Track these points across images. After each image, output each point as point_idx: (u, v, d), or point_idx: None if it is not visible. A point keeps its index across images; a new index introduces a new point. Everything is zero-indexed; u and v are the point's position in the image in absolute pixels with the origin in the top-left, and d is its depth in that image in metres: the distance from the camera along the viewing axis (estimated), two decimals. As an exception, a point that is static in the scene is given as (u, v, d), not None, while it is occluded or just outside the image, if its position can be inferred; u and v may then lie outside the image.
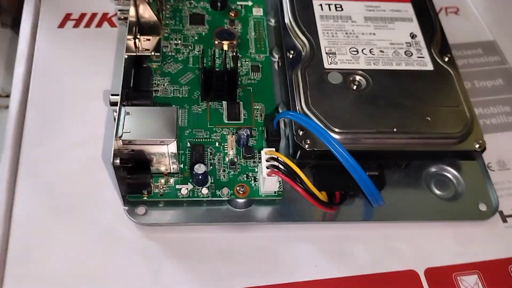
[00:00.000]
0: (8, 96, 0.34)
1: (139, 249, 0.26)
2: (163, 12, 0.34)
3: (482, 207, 0.29)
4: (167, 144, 0.25)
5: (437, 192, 0.29)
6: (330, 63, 0.30)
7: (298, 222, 0.27)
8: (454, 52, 0.36)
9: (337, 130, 0.27)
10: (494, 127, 0.32)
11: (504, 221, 0.29)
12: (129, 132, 0.24)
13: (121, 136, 0.24)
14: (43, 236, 0.26)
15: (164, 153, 0.25)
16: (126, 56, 0.29)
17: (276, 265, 0.26)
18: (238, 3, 0.35)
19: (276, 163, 0.25)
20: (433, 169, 0.30)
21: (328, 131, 0.26)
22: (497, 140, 0.32)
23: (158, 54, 0.31)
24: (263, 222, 0.27)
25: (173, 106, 0.29)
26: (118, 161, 0.23)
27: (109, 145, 0.29)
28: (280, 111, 0.30)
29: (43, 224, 0.26)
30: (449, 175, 0.30)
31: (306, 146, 0.27)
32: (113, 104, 0.26)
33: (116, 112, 0.26)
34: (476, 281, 0.27)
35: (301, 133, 0.27)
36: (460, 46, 0.36)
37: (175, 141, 0.25)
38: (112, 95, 0.27)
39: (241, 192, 0.27)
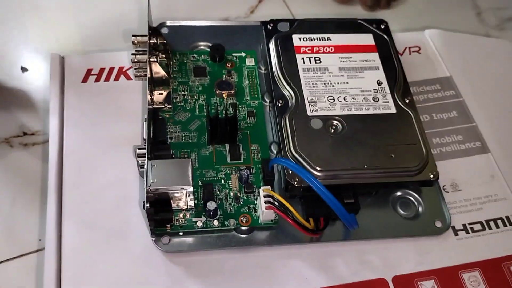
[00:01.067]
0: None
1: (165, 271, 0.33)
2: (171, 67, 0.40)
3: (438, 224, 0.36)
4: (186, 189, 0.31)
5: (402, 212, 0.36)
6: (312, 110, 0.36)
7: (291, 244, 0.34)
8: (416, 88, 0.43)
9: (319, 168, 0.34)
10: (448, 154, 0.39)
11: (456, 234, 0.36)
12: (156, 181, 0.31)
13: (150, 185, 0.30)
14: (87, 264, 0.32)
15: (183, 195, 0.32)
16: (147, 112, 0.35)
17: (274, 279, 0.33)
18: (233, 54, 0.42)
19: (271, 200, 0.32)
20: (398, 194, 0.37)
21: (310, 171, 0.33)
22: (451, 166, 0.39)
23: (170, 106, 0.38)
24: (263, 245, 0.34)
25: (185, 156, 0.35)
26: (148, 205, 0.30)
27: (135, 186, 0.35)
28: (273, 150, 0.37)
29: (87, 254, 0.33)
30: (411, 198, 0.37)
31: (295, 182, 0.33)
32: (140, 156, 0.33)
33: (139, 159, 0.33)
34: (433, 285, 0.34)
35: (290, 172, 0.33)
36: (421, 83, 0.43)
37: (192, 186, 0.31)
38: (138, 148, 0.33)
39: (244, 222, 0.34)
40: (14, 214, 0.39)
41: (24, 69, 0.45)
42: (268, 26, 0.41)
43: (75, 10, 0.52)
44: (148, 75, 0.37)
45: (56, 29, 0.50)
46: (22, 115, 0.44)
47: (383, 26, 0.42)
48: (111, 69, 0.41)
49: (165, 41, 0.39)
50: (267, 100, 0.40)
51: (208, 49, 0.42)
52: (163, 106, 0.37)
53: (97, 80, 0.40)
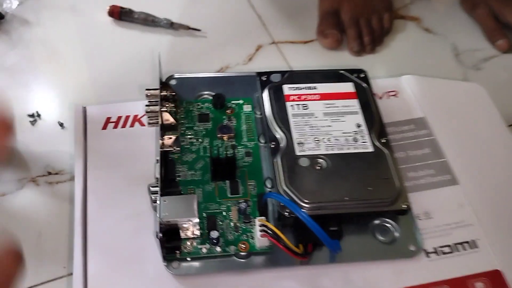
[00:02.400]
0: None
1: (175, 292, 0.38)
2: (179, 114, 0.46)
3: (412, 248, 0.41)
4: (192, 220, 0.37)
5: (380, 238, 0.41)
6: (300, 151, 0.42)
7: (284, 267, 0.39)
8: (393, 128, 0.49)
9: (306, 201, 0.39)
10: (422, 186, 0.45)
11: (427, 256, 0.41)
12: (167, 214, 0.36)
13: (163, 218, 0.36)
14: (110, 284, 0.38)
15: (190, 225, 0.38)
16: (159, 154, 0.41)
17: (269, 297, 0.38)
18: (232, 102, 0.48)
19: (265, 229, 0.38)
20: (377, 222, 0.42)
21: (299, 203, 0.39)
22: (424, 196, 0.44)
23: (179, 148, 0.44)
24: (260, 268, 0.39)
25: (192, 192, 0.41)
26: (161, 235, 0.36)
27: (149, 218, 0.41)
28: (268, 185, 0.43)
29: (109, 277, 0.38)
30: (388, 225, 0.42)
31: (286, 213, 0.39)
32: (153, 193, 0.39)
33: (152, 195, 0.39)
34: (407, 300, 0.39)
35: (281, 204, 0.39)
36: (398, 123, 0.49)
37: (197, 218, 0.37)
38: (152, 186, 0.39)
39: (243, 248, 0.39)
40: (41, 245, 0.44)
41: (61, 125, 0.52)
42: (262, 77, 0.48)
43: (93, 64, 0.59)
44: (160, 123, 0.43)
45: (76, 80, 0.57)
46: (46, 157, 0.50)
47: (362, 75, 0.48)
48: (127, 117, 0.47)
49: (173, 93, 0.45)
50: (262, 141, 0.45)
51: (211, 97, 0.48)
52: (172, 149, 0.43)
53: (115, 127, 0.46)
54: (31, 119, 0.53)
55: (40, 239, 0.45)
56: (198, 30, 0.63)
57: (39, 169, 0.50)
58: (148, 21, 0.62)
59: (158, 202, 0.37)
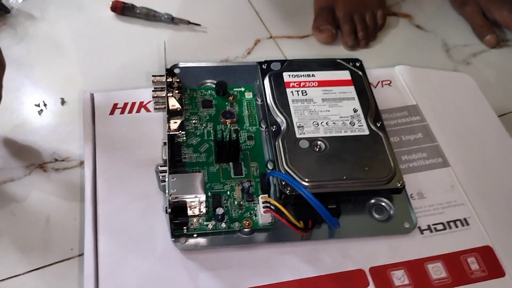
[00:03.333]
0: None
1: (183, 266, 0.40)
2: (183, 100, 0.48)
3: (406, 225, 0.43)
4: (199, 197, 0.39)
5: (376, 216, 0.43)
6: (300, 133, 0.44)
7: (285, 242, 0.41)
8: (388, 114, 0.51)
9: (306, 180, 0.41)
10: (415, 169, 0.47)
11: (421, 233, 0.43)
12: (176, 191, 0.38)
13: (171, 194, 0.38)
14: (120, 262, 0.40)
15: (197, 202, 0.40)
16: (167, 136, 0.43)
17: (271, 271, 0.40)
18: (234, 89, 0.50)
19: (268, 205, 0.40)
20: (373, 201, 0.44)
21: (299, 182, 0.41)
22: (418, 178, 0.46)
23: (184, 132, 0.46)
24: (262, 243, 0.41)
25: (200, 171, 0.43)
26: (170, 210, 0.38)
27: (159, 198, 0.43)
28: (269, 167, 0.45)
29: (120, 255, 0.40)
30: (384, 204, 0.44)
31: (287, 191, 0.41)
32: (162, 172, 0.41)
33: (161, 175, 0.40)
34: (403, 274, 0.41)
35: (283, 183, 0.41)
36: (392, 110, 0.51)
37: (204, 195, 0.39)
38: (160, 166, 0.41)
39: (246, 224, 0.41)
40: (49, 229, 0.46)
41: (62, 101, 0.54)
42: (263, 66, 0.50)
43: (96, 57, 0.61)
44: (166, 107, 0.45)
45: (80, 73, 0.59)
46: (53, 144, 0.52)
47: (358, 64, 0.51)
48: (133, 104, 0.49)
49: (178, 80, 0.47)
50: (263, 127, 0.47)
51: (214, 85, 0.50)
52: (178, 133, 0.45)
53: (122, 112, 0.48)
54: (38, 109, 0.55)
55: (48, 223, 0.46)
56: (198, 24, 0.65)
57: (47, 156, 0.51)
58: (150, 16, 0.64)
59: (166, 180, 0.39)
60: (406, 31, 0.69)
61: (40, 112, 0.55)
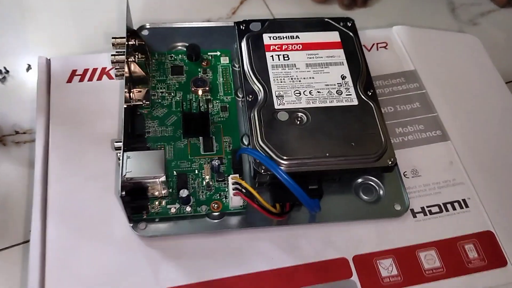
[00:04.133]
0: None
1: (143, 255, 0.35)
2: (150, 66, 0.43)
3: (397, 207, 0.38)
4: (158, 178, 0.34)
5: (364, 197, 0.39)
6: (279, 104, 0.39)
7: (259, 227, 0.37)
8: (382, 81, 0.45)
9: (285, 157, 0.36)
10: (410, 143, 0.42)
11: (414, 216, 0.38)
12: (131, 171, 0.34)
13: (125, 175, 0.33)
14: (71, 251, 0.35)
15: (157, 184, 0.35)
16: (124, 107, 0.38)
17: (244, 260, 0.36)
18: (208, 54, 0.44)
19: (238, 187, 0.35)
20: (360, 180, 0.39)
21: (277, 160, 0.36)
22: (413, 153, 0.41)
23: (148, 102, 0.40)
24: (233, 229, 0.36)
25: (161, 149, 0.38)
26: (124, 193, 0.33)
27: (116, 179, 0.38)
28: (245, 142, 0.40)
29: (71, 242, 0.36)
30: (373, 183, 0.39)
31: (262, 170, 0.36)
32: (117, 148, 0.36)
33: (119, 153, 0.36)
34: (391, 263, 0.36)
35: (257, 161, 0.36)
36: (387, 77, 0.46)
37: (164, 175, 0.34)
38: (116, 142, 0.36)
39: (215, 208, 0.36)
40: (6, 209, 0.41)
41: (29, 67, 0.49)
42: (241, 27, 0.44)
43: (62, 15, 0.55)
44: (126, 74, 0.39)
45: (44, 33, 0.54)
46: (14, 115, 0.47)
47: (349, 24, 0.45)
48: (94, 70, 0.43)
49: (143, 42, 0.42)
50: (240, 96, 0.42)
51: (185, 49, 0.44)
52: (142, 103, 0.40)
53: (81, 80, 0.43)
54: (0, 76, 0.50)
55: (6, 202, 0.42)
56: (178, -20, 0.59)
57: (7, 128, 0.46)
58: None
59: (121, 158, 0.34)
60: (409, -13, 0.63)
61: (3, 80, 0.50)
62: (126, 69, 0.39)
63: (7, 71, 0.50)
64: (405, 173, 0.40)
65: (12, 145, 0.46)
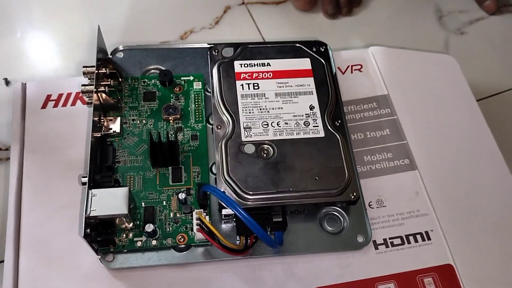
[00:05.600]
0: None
1: (109, 286, 0.37)
2: (123, 92, 0.43)
3: (360, 239, 0.39)
4: (122, 215, 0.35)
5: (328, 228, 0.39)
6: (247, 136, 0.40)
7: (224, 259, 0.38)
8: (354, 107, 0.46)
9: (250, 192, 0.37)
10: (378, 172, 0.42)
11: (376, 248, 0.39)
12: (95, 210, 0.35)
13: (89, 213, 0.34)
14: (42, 280, 0.37)
15: (122, 219, 0.36)
16: (92, 140, 0.38)
17: (208, 291, 0.37)
18: (182, 78, 0.45)
19: (201, 224, 0.36)
20: (324, 210, 0.40)
21: (241, 195, 0.37)
22: (379, 182, 0.42)
23: (119, 132, 0.41)
24: (198, 261, 0.37)
25: (130, 179, 0.39)
26: (88, 230, 0.34)
27: (81, 214, 0.39)
28: (214, 171, 0.41)
29: (41, 271, 0.37)
30: (337, 214, 0.40)
31: (227, 207, 0.37)
32: (84, 183, 0.36)
33: (83, 185, 0.36)
34: (350, 295, 0.37)
35: (221, 197, 0.37)
36: (359, 101, 0.46)
37: (127, 213, 0.35)
38: (83, 177, 0.37)
39: (181, 241, 0.38)
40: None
41: (7, 82, 0.50)
42: (214, 52, 0.44)
43: (36, 38, 0.55)
44: (96, 102, 0.40)
45: (22, 57, 0.54)
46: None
47: (322, 49, 0.45)
48: (69, 95, 0.44)
49: (114, 71, 0.42)
50: (212, 122, 0.43)
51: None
52: (113, 132, 0.41)
53: (55, 105, 0.44)
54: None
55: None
56: (160, -11, 0.59)
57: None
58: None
59: (86, 195, 0.35)
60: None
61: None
62: (96, 98, 0.40)
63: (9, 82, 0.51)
64: (370, 203, 0.41)
65: (-7, 162, 0.47)
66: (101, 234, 0.36)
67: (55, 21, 0.57)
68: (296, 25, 0.60)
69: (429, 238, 0.39)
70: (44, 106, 0.44)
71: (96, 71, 0.40)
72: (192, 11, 0.60)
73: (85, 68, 0.41)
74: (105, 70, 0.42)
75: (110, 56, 0.45)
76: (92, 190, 0.35)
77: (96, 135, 0.39)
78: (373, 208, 0.41)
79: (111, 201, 0.35)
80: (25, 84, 0.45)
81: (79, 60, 0.52)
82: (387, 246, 0.39)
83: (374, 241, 0.39)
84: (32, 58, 0.54)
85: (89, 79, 0.41)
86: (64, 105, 0.44)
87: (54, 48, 0.55)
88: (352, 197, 0.38)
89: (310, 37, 0.55)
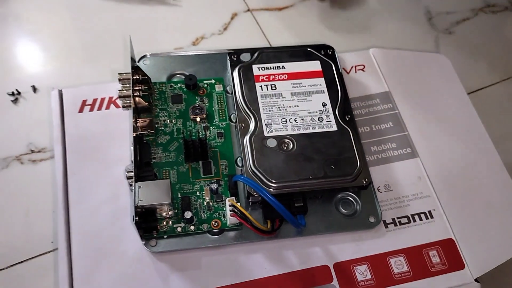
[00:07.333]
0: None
1: (154, 268, 0.41)
2: (152, 96, 0.48)
3: (371, 219, 0.44)
4: (165, 204, 0.40)
5: (343, 211, 0.44)
6: (268, 132, 0.44)
7: (253, 241, 0.43)
8: (359, 103, 0.51)
9: (274, 181, 0.42)
10: (384, 160, 0.48)
11: (386, 227, 0.44)
12: (142, 200, 0.39)
13: (138, 203, 0.39)
14: (93, 264, 0.41)
15: (164, 208, 0.40)
16: (133, 137, 0.43)
17: (240, 270, 0.42)
18: (204, 82, 0.49)
19: (234, 209, 0.41)
20: (340, 195, 0.45)
21: (266, 183, 0.41)
22: (385, 169, 0.47)
23: (153, 131, 0.46)
24: (231, 243, 0.42)
25: (166, 173, 0.44)
26: (137, 218, 0.38)
27: (127, 199, 0.44)
28: (239, 164, 0.45)
29: (92, 257, 0.41)
30: (351, 198, 0.45)
31: (254, 194, 0.42)
32: (129, 178, 0.41)
33: (129, 179, 0.41)
34: (366, 268, 0.42)
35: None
36: (364, 98, 0.51)
37: (170, 202, 0.40)
38: (127, 172, 0.41)
39: (215, 225, 0.42)
40: (28, 222, 0.47)
41: (34, 89, 0.54)
42: (233, 57, 0.49)
43: (69, 40, 0.60)
44: (133, 106, 0.44)
45: (53, 56, 0.58)
46: (28, 134, 0.53)
47: (330, 52, 0.50)
48: (102, 99, 0.49)
49: (146, 76, 0.47)
50: (233, 121, 0.47)
51: (183, 78, 0.49)
52: (147, 131, 0.46)
53: (91, 109, 0.48)
54: (12, 98, 0.55)
55: (27, 216, 0.48)
56: (173, -1, 0.63)
57: (23, 148, 0.52)
58: (123, -9, 0.62)
59: (133, 187, 0.40)
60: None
61: (15, 101, 0.55)
62: (132, 102, 0.44)
63: (19, 93, 0.55)
64: (378, 188, 0.46)
65: (29, 163, 0.51)
66: (146, 222, 0.41)
67: (79, 32, 0.61)
68: (297, 30, 0.65)
69: (431, 217, 0.45)
70: (81, 110, 0.48)
71: (132, 77, 0.44)
72: (201, 19, 0.64)
73: (120, 75, 0.45)
74: (138, 76, 0.46)
75: (137, 64, 0.50)
76: (138, 182, 0.40)
77: (135, 134, 0.44)
78: (381, 192, 0.46)
79: (155, 192, 0.40)
80: (61, 90, 0.49)
81: (103, 67, 0.56)
82: (395, 225, 0.44)
83: (384, 221, 0.44)
84: (67, 56, 0.58)
85: (122, 84, 0.46)
86: (99, 108, 0.48)
87: (80, 56, 0.59)
88: (364, 182, 0.43)
89: (312, 41, 0.60)
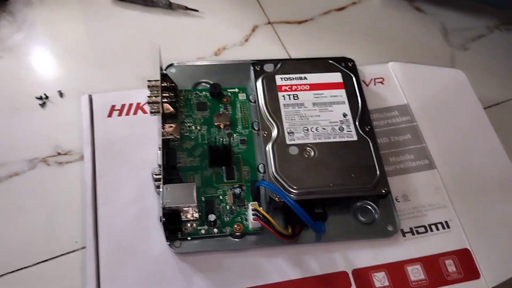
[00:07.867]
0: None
1: (177, 268, 0.43)
2: (178, 103, 0.50)
3: (390, 228, 0.45)
4: (192, 206, 0.41)
5: (361, 219, 0.46)
6: (290, 140, 0.46)
7: (274, 246, 0.44)
8: (378, 114, 0.52)
9: (295, 187, 0.43)
10: (402, 170, 0.49)
11: (404, 236, 0.45)
12: (169, 201, 0.41)
13: (165, 204, 0.40)
14: (119, 263, 0.42)
15: (190, 210, 0.42)
16: (162, 140, 0.45)
17: (261, 273, 0.43)
18: (228, 90, 0.51)
19: (257, 213, 0.42)
20: (359, 204, 0.46)
21: (288, 189, 0.43)
22: (404, 180, 0.48)
23: (179, 136, 0.47)
24: (252, 247, 0.44)
25: (191, 177, 0.45)
26: (164, 219, 0.40)
27: (153, 201, 0.45)
28: (260, 170, 0.47)
29: (118, 256, 0.43)
30: (369, 207, 0.46)
31: (276, 198, 0.43)
32: (157, 180, 0.43)
33: (156, 182, 0.43)
34: (384, 275, 0.43)
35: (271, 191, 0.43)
36: (383, 110, 0.52)
37: (196, 204, 0.41)
38: (155, 174, 0.43)
39: (237, 229, 0.44)
40: (53, 222, 0.49)
41: (61, 94, 0.56)
42: (257, 68, 0.51)
43: (95, 46, 0.62)
44: (161, 112, 0.46)
45: (80, 62, 0.60)
46: (55, 137, 0.54)
47: (350, 64, 0.51)
48: (130, 105, 0.50)
49: (173, 84, 0.49)
50: (256, 128, 0.49)
51: (208, 86, 0.51)
52: (173, 137, 0.47)
53: (120, 114, 0.50)
54: (40, 101, 0.57)
55: (52, 216, 0.49)
56: (196, 10, 0.65)
57: (49, 150, 0.53)
58: (147, 1, 0.64)
59: (161, 189, 0.41)
60: (405, 13, 0.70)
61: (43, 105, 0.57)
62: (161, 108, 0.46)
63: (47, 97, 0.57)
64: (397, 198, 0.47)
65: (55, 165, 0.53)
66: (171, 223, 0.42)
67: (103, 39, 0.63)
68: (317, 44, 0.66)
69: (448, 227, 0.46)
70: (109, 115, 0.50)
71: (161, 84, 0.46)
72: (223, 30, 0.66)
73: (149, 82, 0.47)
74: (166, 83, 0.48)
75: (165, 72, 0.52)
76: (165, 185, 0.41)
77: (163, 139, 0.45)
78: (399, 202, 0.47)
79: (182, 194, 0.41)
80: (91, 96, 0.51)
81: (128, 74, 0.58)
82: (413, 234, 0.45)
83: (402, 230, 0.46)
84: (93, 63, 0.60)
85: (150, 91, 0.48)
86: (127, 114, 0.50)
87: (105, 63, 0.61)
88: (383, 191, 0.44)
89: (331, 54, 0.62)
